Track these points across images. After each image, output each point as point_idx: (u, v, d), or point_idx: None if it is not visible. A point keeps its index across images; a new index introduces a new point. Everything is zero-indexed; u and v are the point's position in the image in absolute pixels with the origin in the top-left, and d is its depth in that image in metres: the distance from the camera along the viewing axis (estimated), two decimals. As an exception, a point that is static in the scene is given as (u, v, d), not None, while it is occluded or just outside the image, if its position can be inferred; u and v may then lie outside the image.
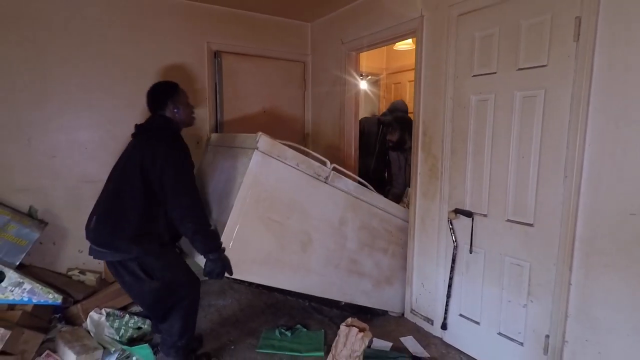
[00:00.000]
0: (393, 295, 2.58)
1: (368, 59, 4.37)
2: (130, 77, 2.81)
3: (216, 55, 3.20)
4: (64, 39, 2.58)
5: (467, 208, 2.13)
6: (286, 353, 2.18)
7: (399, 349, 2.29)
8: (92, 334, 2.16)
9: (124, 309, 2.40)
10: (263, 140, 1.86)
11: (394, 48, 3.88)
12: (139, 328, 2.26)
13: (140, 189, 1.74)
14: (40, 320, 2.18)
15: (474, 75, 2.03)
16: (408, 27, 2.46)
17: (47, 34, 2.53)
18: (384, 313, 2.64)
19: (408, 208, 2.55)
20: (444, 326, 2.32)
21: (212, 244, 1.76)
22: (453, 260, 2.22)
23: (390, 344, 2.33)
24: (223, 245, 1.79)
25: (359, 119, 3.53)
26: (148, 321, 2.29)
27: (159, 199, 1.76)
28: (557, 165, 1.70)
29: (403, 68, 4.34)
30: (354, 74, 3.19)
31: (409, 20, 2.43)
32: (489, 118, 1.97)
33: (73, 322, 2.30)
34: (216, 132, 3.33)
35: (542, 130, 1.75)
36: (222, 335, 2.35)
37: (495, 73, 1.92)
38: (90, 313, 2.22)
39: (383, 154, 3.56)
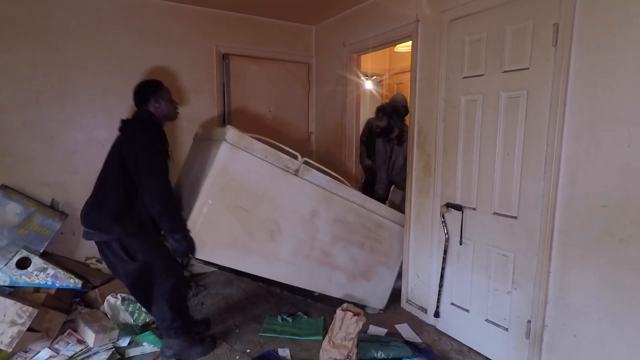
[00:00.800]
0: (370, 290, 2.59)
1: (372, 60, 4.50)
2: (147, 77, 2.99)
3: (224, 57, 3.38)
4: (82, 45, 2.78)
5: (457, 202, 2.26)
6: (287, 337, 2.33)
7: (394, 335, 2.43)
8: (109, 316, 2.35)
9: (137, 294, 2.59)
10: (231, 133, 1.98)
11: (395, 50, 4.00)
12: (152, 312, 2.44)
13: (120, 175, 1.90)
14: (63, 303, 2.38)
15: (464, 77, 2.16)
16: (405, 31, 2.59)
17: (68, 40, 2.73)
18: (362, 308, 2.59)
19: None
20: (436, 314, 2.45)
21: (176, 225, 1.90)
22: (445, 252, 2.35)
23: (385, 330, 2.47)
24: (189, 228, 1.92)
25: (367, 119, 3.66)
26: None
27: (136, 184, 1.90)
28: (538, 161, 1.82)
29: (405, 69, 4.45)
30: (355, 75, 3.33)
31: (405, 24, 2.56)
32: (478, 117, 2.10)
33: (91, 305, 2.50)
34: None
35: (525, 128, 1.87)
36: (228, 319, 2.53)
37: (483, 75, 2.05)
38: (107, 297, 2.41)
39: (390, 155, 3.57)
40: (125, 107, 2.94)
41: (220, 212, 2.00)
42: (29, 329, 2.03)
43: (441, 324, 2.45)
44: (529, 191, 1.87)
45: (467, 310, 2.27)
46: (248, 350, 2.22)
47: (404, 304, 2.78)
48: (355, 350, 2.04)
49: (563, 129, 1.71)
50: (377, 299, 2.64)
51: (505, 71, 1.93)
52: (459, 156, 2.23)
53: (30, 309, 2.02)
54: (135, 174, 1.88)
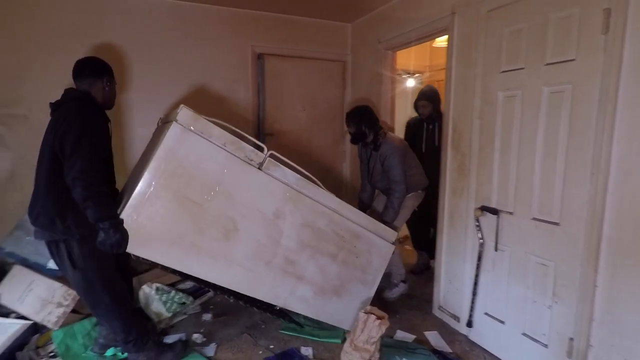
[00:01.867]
0: (341, 309, 2.23)
1: (414, 57, 4.36)
2: (183, 78, 3.14)
3: (259, 57, 3.44)
4: (132, 49, 2.96)
5: (493, 205, 2.11)
6: (306, 337, 2.32)
7: (422, 342, 2.33)
8: (142, 305, 2.48)
9: (172, 285, 2.71)
10: (184, 113, 1.71)
11: (434, 45, 3.85)
12: (183, 303, 2.55)
13: (53, 164, 1.68)
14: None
15: (502, 72, 2.01)
16: (440, 25, 2.48)
17: (119, 45, 2.92)
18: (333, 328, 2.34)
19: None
20: (469, 324, 2.31)
21: (103, 212, 1.59)
22: (479, 258, 2.21)
23: (413, 337, 2.37)
24: (124, 218, 1.63)
25: (407, 120, 3.52)
26: (191, 298, 2.57)
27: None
28: (584, 162, 1.64)
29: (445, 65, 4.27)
30: (391, 73, 3.25)
31: (440, 17, 2.45)
32: (516, 114, 1.94)
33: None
34: (258, 131, 3.58)
35: (569, 126, 1.70)
36: (255, 314, 2.56)
37: (523, 69, 1.89)
38: (143, 286, 2.55)
39: (433, 155, 2.97)
40: (168, 105, 3.12)
41: (165, 203, 1.70)
42: (72, 311, 2.20)
43: (474, 335, 2.30)
44: (573, 195, 1.70)
45: (503, 322, 2.11)
46: (271, 346, 2.23)
47: (435, 311, 2.66)
48: (377, 354, 1.98)
49: (614, 126, 1.52)
50: (349, 319, 2.26)
51: (548, 64, 1.77)
52: (496, 156, 2.08)
53: (74, 292, 2.19)
54: (62, 155, 1.64)
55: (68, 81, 1.84)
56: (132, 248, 1.68)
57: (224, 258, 1.88)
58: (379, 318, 2.01)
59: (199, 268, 1.85)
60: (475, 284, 2.25)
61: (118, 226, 1.61)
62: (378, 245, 2.28)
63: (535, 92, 1.83)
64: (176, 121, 1.69)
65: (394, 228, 2.54)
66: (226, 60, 3.29)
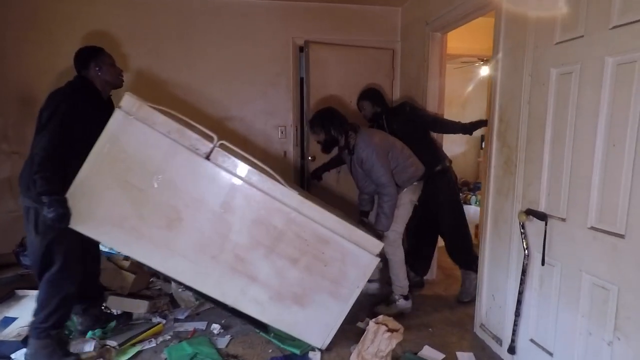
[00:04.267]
0: (304, 321, 2.02)
1: (481, 41, 3.85)
2: (225, 73, 3.22)
3: (302, 49, 3.36)
4: (177, 47, 3.12)
5: (541, 209, 1.72)
6: (272, 340, 2.19)
7: (451, 363, 2.02)
8: (173, 291, 2.60)
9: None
10: (127, 100, 1.73)
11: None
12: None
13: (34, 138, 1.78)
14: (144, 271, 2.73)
15: (557, 43, 1.61)
16: (488, -5, 2.11)
17: (166, 45, 3.11)
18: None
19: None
20: (511, 350, 1.93)
21: (46, 187, 1.69)
22: (523, 272, 1.83)
23: (442, 356, 2.08)
24: (69, 196, 1.73)
25: None
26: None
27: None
28: (661, 155, 1.22)
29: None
30: (439, 58, 2.90)
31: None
32: (572, 95, 1.54)
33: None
34: (301, 122, 3.51)
35: (641, 107, 1.28)
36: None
37: (582, 37, 1.49)
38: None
39: None
40: (212, 101, 3.23)
41: (107, 186, 1.77)
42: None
43: (517, 364, 1.92)
44: (644, 199, 1.28)
45: (551, 354, 1.71)
46: (270, 351, 2.14)
47: (476, 329, 2.30)
48: (386, 371, 1.76)
49: None
50: (314, 333, 2.05)
51: (614, 27, 1.35)
52: (546, 149, 1.69)
53: (133, 275, 2.38)
54: (36, 129, 1.76)
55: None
56: (75, 224, 1.77)
57: (166, 247, 1.86)
58: (390, 330, 1.79)
59: (140, 252, 1.87)
60: (519, 302, 1.87)
61: (57, 203, 1.69)
62: (354, 254, 1.99)
63: (597, 64, 1.42)
64: (119, 107, 1.72)
65: (380, 236, 2.25)
66: (267, 54, 3.27)
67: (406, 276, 2.51)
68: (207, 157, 1.80)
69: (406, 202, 2.43)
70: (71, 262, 1.90)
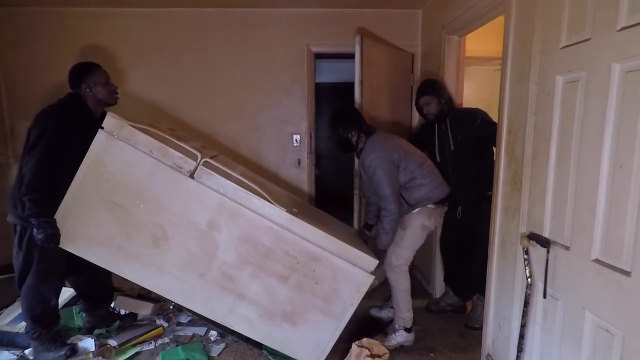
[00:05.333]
0: (295, 340, 1.97)
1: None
2: (240, 83, 3.28)
3: (317, 56, 3.32)
4: (194, 58, 3.23)
5: (545, 234, 1.52)
6: (268, 355, 2.16)
7: (448, 395, 1.86)
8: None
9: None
10: (108, 120, 1.75)
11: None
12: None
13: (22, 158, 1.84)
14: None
15: (563, 47, 1.42)
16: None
17: (185, 57, 3.23)
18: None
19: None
20: (514, 387, 1.74)
21: (35, 210, 1.74)
22: (526, 304, 1.63)
23: (438, 387, 1.92)
24: (57, 217, 1.78)
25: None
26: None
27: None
28: (671, 181, 1.02)
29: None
30: (456, 62, 2.72)
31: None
32: (579, 107, 1.35)
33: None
34: (316, 130, 3.47)
35: (650, 123, 1.08)
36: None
37: (589, 40, 1.30)
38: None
39: (453, 163, 2.45)
40: (228, 109, 3.30)
41: (94, 206, 1.80)
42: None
43: (520, 404, 1.72)
44: (653, 232, 1.07)
45: (554, 398, 1.51)
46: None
47: (483, 359, 2.10)
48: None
49: None
50: (306, 352, 1.99)
51: (622, 28, 1.16)
52: (551, 166, 1.50)
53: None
54: (24, 148, 1.83)
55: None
56: (65, 244, 1.84)
57: (154, 265, 1.87)
58: (373, 356, 1.68)
59: (128, 271, 1.88)
60: (521, 337, 1.67)
61: (45, 224, 1.75)
62: (346, 272, 1.91)
63: (604, 72, 1.23)
64: (101, 128, 1.75)
65: (380, 252, 2.16)
66: (281, 62, 3.28)
67: (410, 307, 2.29)
68: (191, 176, 1.80)
69: (416, 225, 2.21)
70: (50, 277, 1.98)
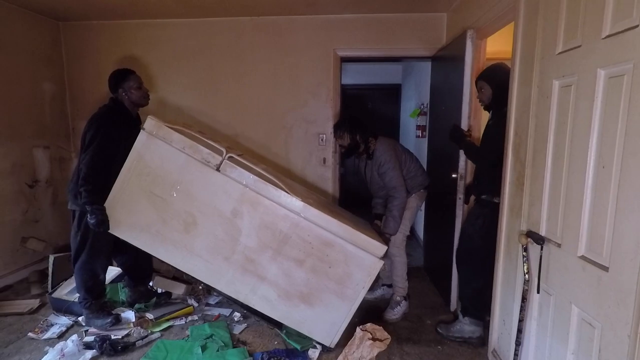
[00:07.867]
0: (312, 319, 2.15)
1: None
2: (269, 86, 3.51)
3: (343, 60, 3.48)
4: (229, 63, 3.51)
5: (542, 232, 1.59)
6: (283, 336, 2.35)
7: (449, 384, 1.95)
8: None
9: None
10: (149, 123, 2.03)
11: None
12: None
13: (79, 155, 2.19)
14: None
15: (559, 53, 1.49)
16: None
17: (219, 63, 3.52)
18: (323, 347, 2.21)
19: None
20: (513, 381, 1.80)
21: (89, 199, 2.06)
22: (523, 299, 1.70)
23: (440, 376, 2.02)
24: (107, 206, 2.09)
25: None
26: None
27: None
28: (642, 180, 1.08)
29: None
30: (475, 64, 2.75)
31: (508, -9, 1.96)
32: (571, 110, 1.41)
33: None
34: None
35: (627, 125, 1.14)
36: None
37: (579, 46, 1.36)
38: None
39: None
40: (258, 111, 3.55)
41: (136, 197, 2.09)
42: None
43: (518, 396, 1.78)
44: (627, 229, 1.13)
45: (546, 390, 1.57)
46: (275, 343, 2.31)
47: (489, 354, 2.16)
48: (366, 377, 1.81)
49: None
50: (322, 331, 2.16)
51: (607, 36, 1.22)
52: (547, 167, 1.56)
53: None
54: (81, 148, 2.19)
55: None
56: (112, 229, 2.14)
57: (185, 248, 2.12)
58: (375, 339, 1.82)
59: (164, 253, 2.15)
60: (519, 330, 1.74)
61: (97, 211, 2.06)
62: (357, 257, 2.09)
63: (591, 78, 1.29)
64: (143, 129, 2.05)
65: (388, 240, 2.45)
66: (309, 66, 3.46)
67: (406, 277, 2.68)
68: (218, 169, 2.05)
69: (414, 206, 2.66)
70: (100, 256, 2.33)
